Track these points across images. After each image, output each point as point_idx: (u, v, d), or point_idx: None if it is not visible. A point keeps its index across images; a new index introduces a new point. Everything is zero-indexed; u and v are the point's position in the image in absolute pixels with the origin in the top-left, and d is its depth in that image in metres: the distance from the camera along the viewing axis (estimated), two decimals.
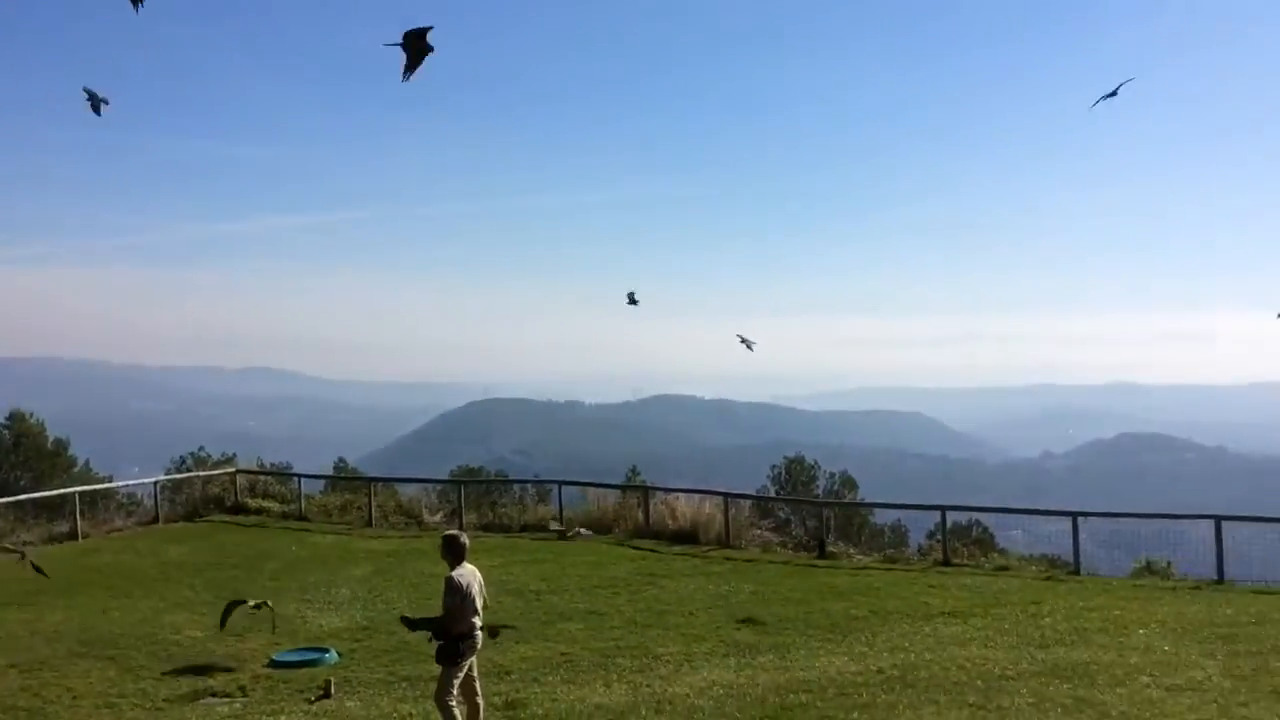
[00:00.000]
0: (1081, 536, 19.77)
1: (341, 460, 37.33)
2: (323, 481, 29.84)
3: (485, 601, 9.23)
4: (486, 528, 24.25)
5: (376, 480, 28.15)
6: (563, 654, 12.98)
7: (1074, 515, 19.97)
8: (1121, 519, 23.61)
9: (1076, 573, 18.91)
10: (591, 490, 25.66)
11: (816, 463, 32.20)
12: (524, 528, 24.15)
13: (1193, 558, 19.30)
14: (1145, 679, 11.07)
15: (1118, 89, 9.11)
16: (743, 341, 11.34)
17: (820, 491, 29.96)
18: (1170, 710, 9.89)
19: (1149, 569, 18.84)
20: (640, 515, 23.38)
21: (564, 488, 25.40)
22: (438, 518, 25.33)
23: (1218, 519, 18.48)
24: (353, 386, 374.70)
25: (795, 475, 31.45)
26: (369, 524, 24.93)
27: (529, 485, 29.62)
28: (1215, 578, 17.77)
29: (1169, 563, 19.06)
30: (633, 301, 14.89)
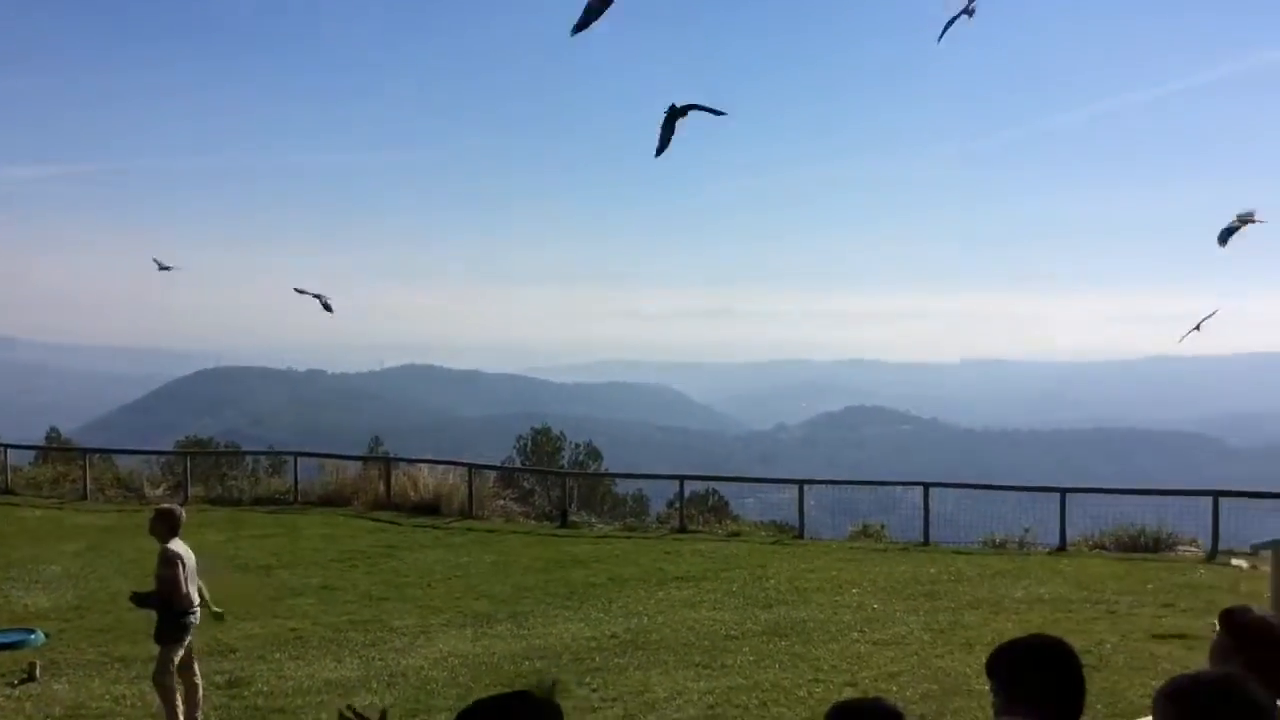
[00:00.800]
0: (808, 503, 20.96)
1: (54, 430, 34.52)
2: (32, 453, 27.59)
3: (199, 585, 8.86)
4: (215, 501, 23.09)
5: (92, 451, 26.22)
6: (292, 630, 12.57)
7: (800, 483, 21.13)
8: (843, 485, 25.32)
9: (801, 537, 20.01)
10: (330, 462, 24.90)
11: (563, 434, 32.48)
12: (256, 501, 23.19)
13: (905, 522, 20.81)
14: (855, 634, 11.89)
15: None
16: (319, 299, 10.42)
17: (565, 462, 30.29)
18: (875, 662, 10.67)
19: (865, 532, 20.16)
20: (381, 487, 22.90)
21: (300, 459, 24.53)
22: (160, 491, 23.85)
23: (926, 486, 19.99)
24: (72, 351, 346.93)
25: (541, 446, 31.59)
26: (84, 497, 23.21)
27: (262, 457, 28.38)
28: (922, 540, 19.24)
29: (883, 526, 20.45)
30: (163, 268, 13.63)
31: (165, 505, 9.22)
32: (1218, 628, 3.58)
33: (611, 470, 30.41)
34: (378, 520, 21.03)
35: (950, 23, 5.99)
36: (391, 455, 26.19)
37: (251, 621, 12.77)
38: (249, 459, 28.25)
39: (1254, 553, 15.86)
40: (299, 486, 23.46)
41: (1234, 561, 16.44)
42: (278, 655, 11.44)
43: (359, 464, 24.81)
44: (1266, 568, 12.42)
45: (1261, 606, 4.24)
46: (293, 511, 22.05)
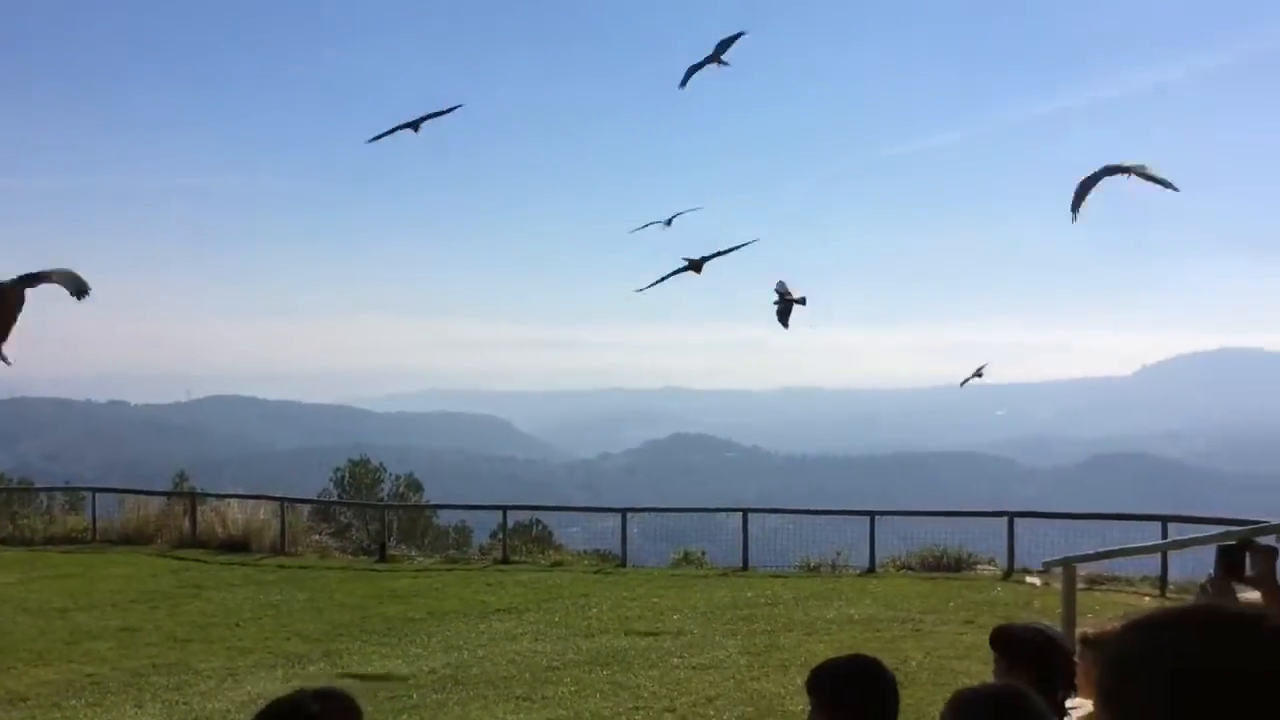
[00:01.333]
0: (632, 531, 21.14)
1: None
2: None
3: None
4: (5, 541, 21.60)
5: None
6: (89, 675, 11.83)
7: (623, 511, 21.30)
8: (667, 513, 25.63)
9: (624, 565, 20.15)
10: (131, 498, 23.63)
11: (383, 465, 31.78)
12: (50, 540, 21.79)
13: (727, 547, 21.24)
14: (675, 660, 12.04)
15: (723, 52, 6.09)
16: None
17: (385, 495, 29.60)
18: (694, 687, 10.82)
19: (686, 559, 20.45)
20: (186, 524, 21.85)
21: (99, 495, 23.19)
22: None
23: (745, 511, 20.47)
24: None
25: (360, 478, 30.77)
26: None
27: (57, 493, 26.67)
28: (741, 565, 19.65)
29: (703, 552, 20.80)
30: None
31: None
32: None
33: (433, 502, 29.94)
34: (182, 559, 20.05)
35: (697, 68, 6.16)
36: (198, 490, 25.01)
37: (45, 667, 12.01)
38: (43, 496, 26.51)
39: (1046, 570, 16.92)
40: (97, 524, 22.18)
41: (1028, 579, 17.41)
42: (73, 702, 10.76)
43: (163, 499, 23.63)
44: (1058, 584, 13.22)
45: (1047, 622, 4.53)
46: (90, 551, 20.83)
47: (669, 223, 7.05)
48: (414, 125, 5.75)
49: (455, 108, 5.81)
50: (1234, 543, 3.37)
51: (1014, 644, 3.58)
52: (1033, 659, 3.36)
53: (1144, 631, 1.42)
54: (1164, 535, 16.57)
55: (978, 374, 8.99)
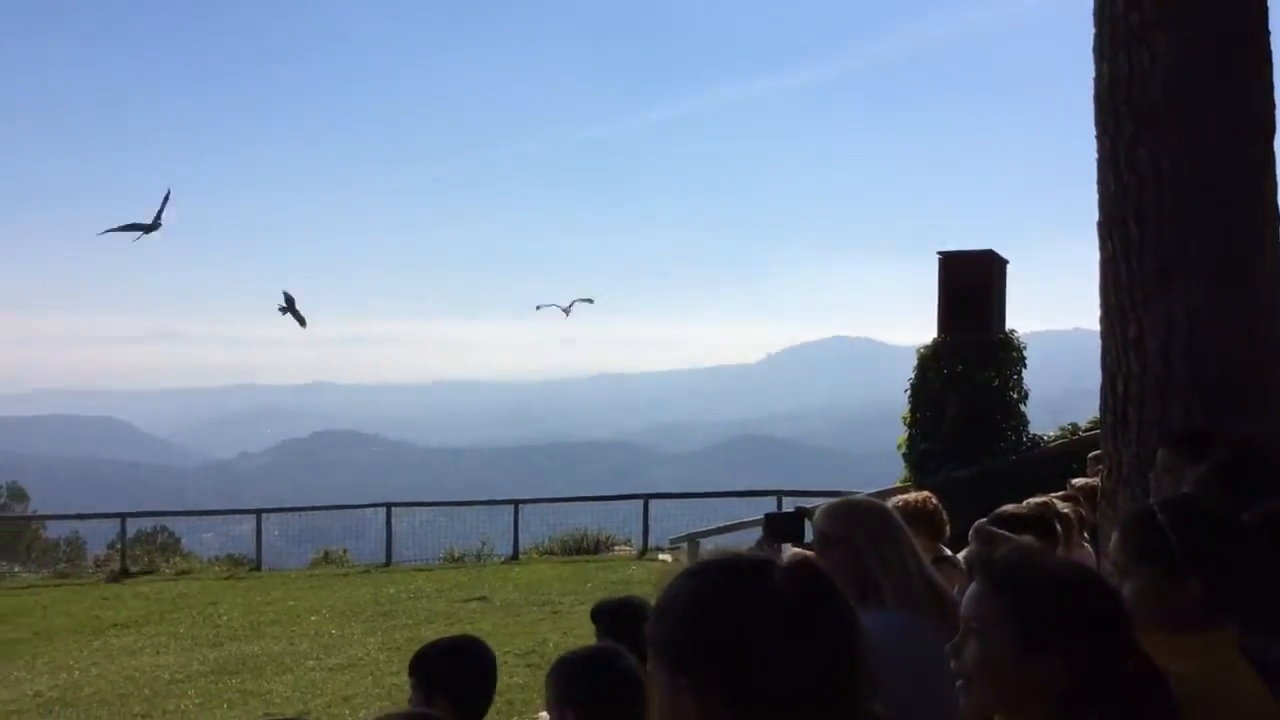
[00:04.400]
0: (273, 533, 20.26)
1: None
2: None
3: None
4: None
5: None
6: None
7: (258, 513, 20.37)
8: (307, 512, 24.68)
9: (259, 569, 19.25)
10: None
11: None
12: None
13: (372, 545, 20.82)
14: (311, 662, 11.66)
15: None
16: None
17: None
18: (330, 688, 10.54)
19: (327, 559, 19.87)
20: None
21: None
22: None
23: (389, 506, 20.16)
24: None
25: None
26: None
27: None
28: (384, 561, 19.35)
29: (345, 550, 20.29)
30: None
31: None
32: None
33: (41, 512, 27.25)
34: None
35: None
36: None
37: None
38: None
39: (674, 547, 17.99)
40: None
41: (660, 556, 18.40)
42: None
43: None
44: (685, 560, 14.11)
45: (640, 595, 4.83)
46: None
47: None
48: (150, 227, 5.89)
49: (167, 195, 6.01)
50: (780, 514, 3.79)
51: (606, 616, 3.84)
52: (623, 628, 3.59)
53: (675, 581, 1.61)
54: (779, 507, 18.07)
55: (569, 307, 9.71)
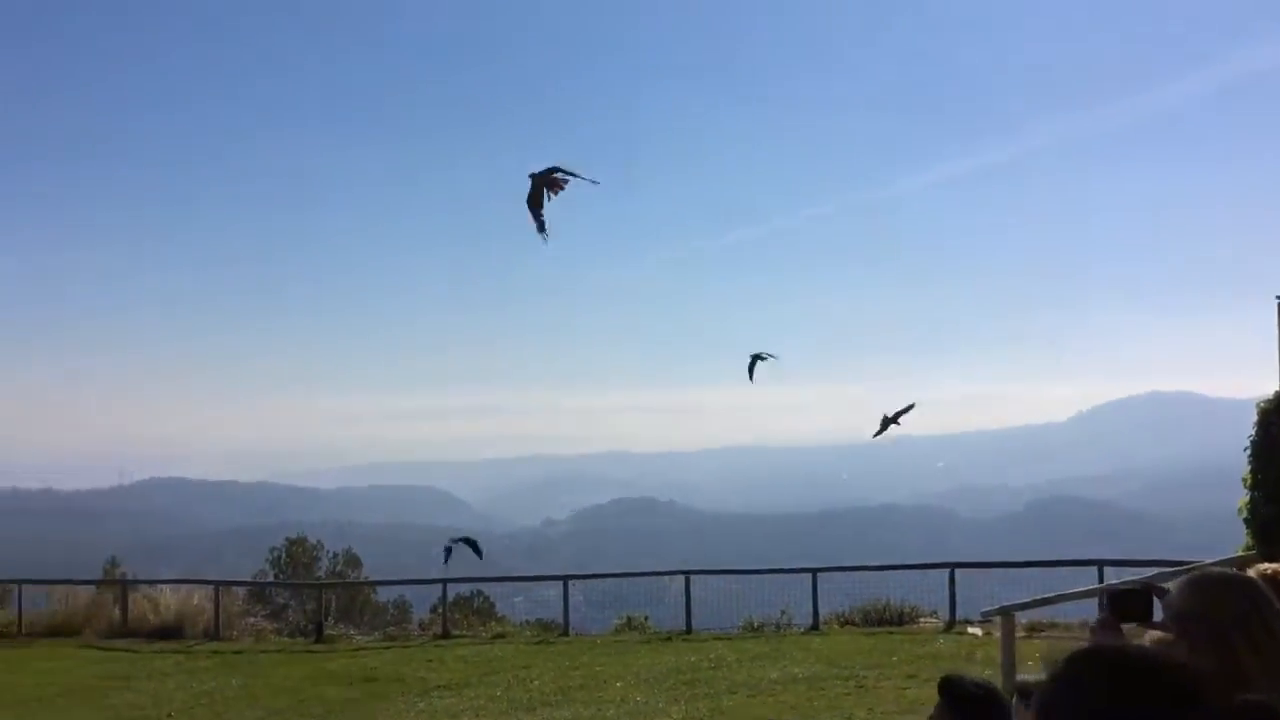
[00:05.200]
0: (576, 598, 20.93)
1: None
2: None
3: None
4: None
5: None
6: None
7: (565, 579, 21.11)
8: (609, 579, 25.40)
9: (566, 633, 19.91)
10: (59, 588, 22.89)
11: (320, 542, 31.23)
12: None
13: (671, 611, 21.09)
14: None
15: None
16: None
17: (322, 572, 29.03)
18: None
19: (629, 625, 20.26)
20: (117, 612, 21.23)
21: (25, 587, 22.44)
22: None
23: (687, 574, 20.38)
24: None
25: (296, 557, 30.19)
26: None
27: None
28: (684, 628, 19.53)
29: (646, 617, 20.63)
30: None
31: None
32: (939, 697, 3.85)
33: (372, 578, 29.44)
34: (111, 649, 19.46)
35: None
36: (128, 576, 24.34)
37: None
38: None
39: (985, 620, 17.04)
40: (23, 617, 21.47)
41: (970, 629, 17.50)
42: None
43: (92, 588, 22.94)
44: (998, 634, 13.30)
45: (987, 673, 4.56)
46: (17, 645, 20.13)
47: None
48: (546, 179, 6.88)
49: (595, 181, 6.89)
50: (1125, 588, 3.46)
51: (958, 694, 3.65)
52: (976, 712, 3.41)
53: (1059, 678, 1.49)
54: (1100, 579, 16.80)
55: (895, 421, 9.19)
